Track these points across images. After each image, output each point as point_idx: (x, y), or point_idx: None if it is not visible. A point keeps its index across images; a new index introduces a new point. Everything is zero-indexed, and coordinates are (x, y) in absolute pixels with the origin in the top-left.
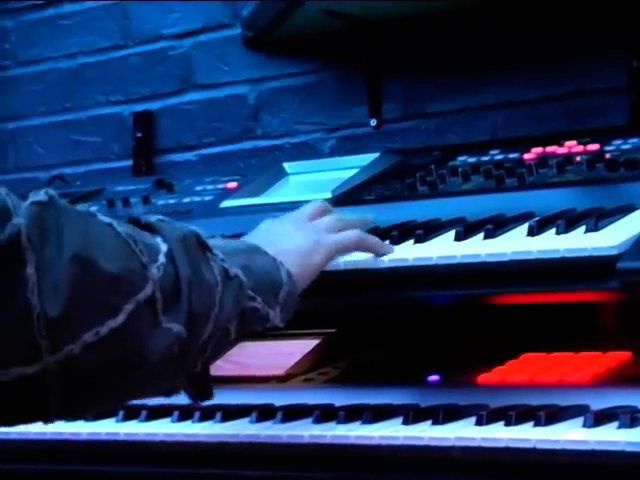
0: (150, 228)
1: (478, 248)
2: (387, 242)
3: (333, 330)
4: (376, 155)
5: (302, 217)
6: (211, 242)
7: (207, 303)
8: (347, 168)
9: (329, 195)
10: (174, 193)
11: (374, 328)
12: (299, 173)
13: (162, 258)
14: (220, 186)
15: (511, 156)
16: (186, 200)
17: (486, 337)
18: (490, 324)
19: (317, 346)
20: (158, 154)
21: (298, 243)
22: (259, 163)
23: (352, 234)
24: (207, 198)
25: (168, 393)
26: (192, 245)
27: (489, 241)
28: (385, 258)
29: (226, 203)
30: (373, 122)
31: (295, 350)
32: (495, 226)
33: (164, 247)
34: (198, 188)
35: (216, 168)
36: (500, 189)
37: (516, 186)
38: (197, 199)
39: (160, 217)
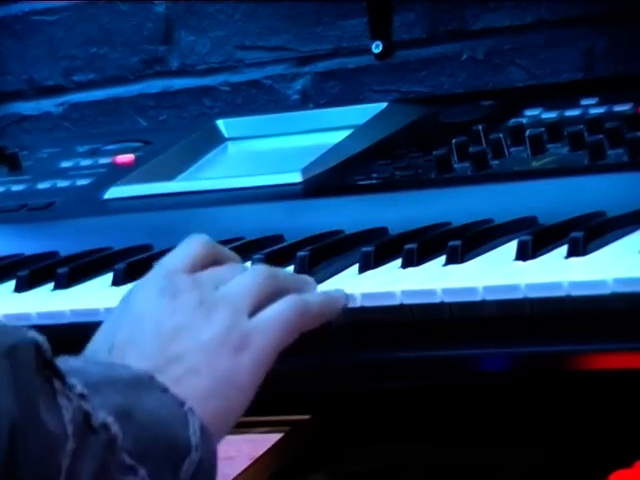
0: None
1: (558, 273)
2: (394, 262)
3: (305, 417)
4: (381, 107)
5: (173, 275)
6: (66, 362)
7: (45, 470)
8: (329, 129)
9: (298, 177)
10: (20, 173)
11: (375, 413)
12: (245, 138)
13: None
14: (104, 160)
15: (618, 109)
16: (42, 186)
17: (570, 427)
18: (580, 405)
19: (278, 445)
20: None
21: (211, 346)
22: (174, 119)
23: (290, 304)
24: (81, 182)
25: None
26: (26, 364)
27: (576, 260)
28: (396, 288)
29: (115, 192)
30: (377, 47)
31: (241, 451)
32: (589, 233)
33: None
34: (65, 164)
35: (97, 128)
36: (598, 168)
37: (626, 163)
38: (62, 184)
39: None
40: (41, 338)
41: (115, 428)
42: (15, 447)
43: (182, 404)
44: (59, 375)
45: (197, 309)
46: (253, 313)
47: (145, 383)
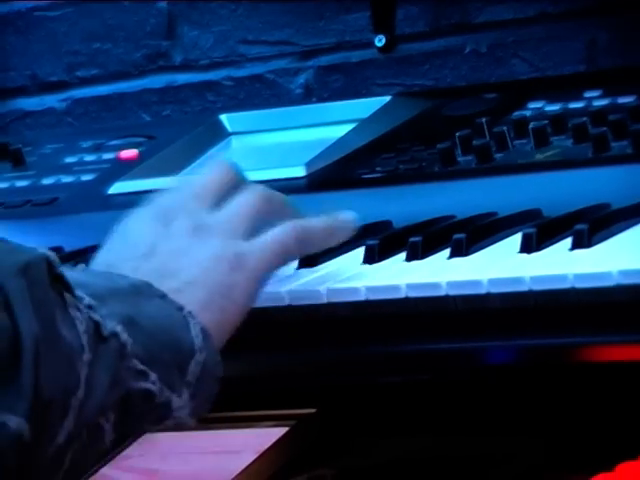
0: None
1: (563, 265)
2: (399, 255)
3: (311, 411)
4: (384, 100)
5: (192, 203)
6: (70, 274)
7: (65, 382)
8: (333, 123)
9: (302, 171)
10: (24, 169)
11: (381, 406)
12: (248, 132)
13: None
14: (108, 155)
15: (622, 101)
16: (47, 181)
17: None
18: (585, 398)
19: (284, 439)
20: None
21: (206, 263)
22: (177, 114)
23: (290, 227)
24: (85, 177)
25: None
26: (41, 280)
27: (581, 252)
28: (400, 282)
29: (119, 187)
30: (380, 40)
31: (247, 446)
32: (593, 226)
33: None
34: (69, 159)
35: (100, 123)
36: (602, 160)
37: (630, 155)
38: (67, 179)
39: None
40: (51, 253)
41: (124, 336)
42: (39, 363)
43: (181, 308)
44: (69, 288)
45: (191, 235)
46: (250, 235)
47: (144, 291)
